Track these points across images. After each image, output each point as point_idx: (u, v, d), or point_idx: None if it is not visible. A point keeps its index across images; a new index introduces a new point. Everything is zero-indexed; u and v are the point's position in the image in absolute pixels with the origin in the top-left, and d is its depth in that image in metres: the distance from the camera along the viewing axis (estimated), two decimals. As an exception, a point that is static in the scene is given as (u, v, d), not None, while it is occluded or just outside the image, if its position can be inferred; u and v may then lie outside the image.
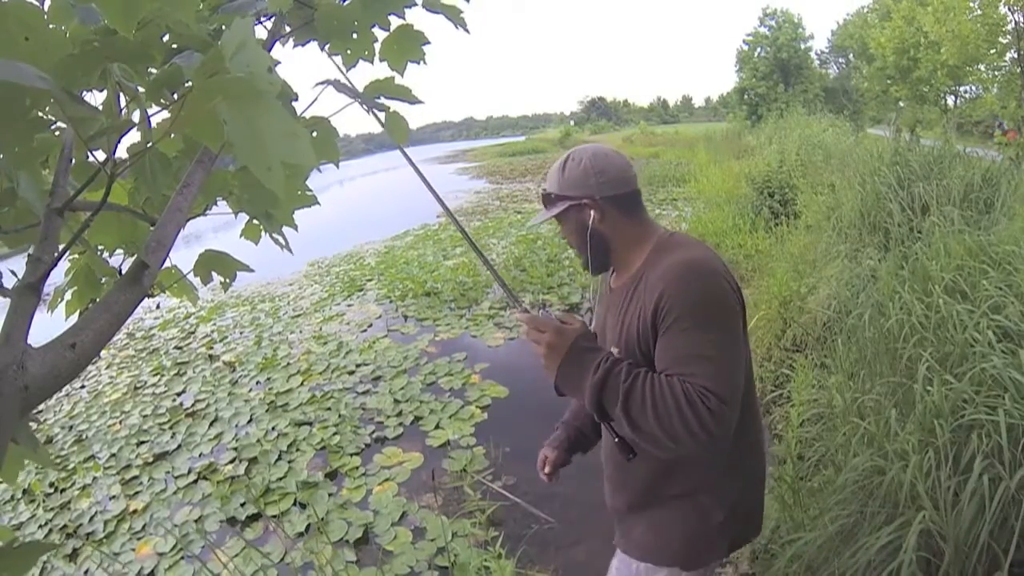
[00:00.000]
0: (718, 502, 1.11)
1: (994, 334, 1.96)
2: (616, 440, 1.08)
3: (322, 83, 0.91)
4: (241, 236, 1.10)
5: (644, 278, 1.06)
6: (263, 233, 1.07)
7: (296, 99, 0.91)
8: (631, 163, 1.16)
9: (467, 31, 1.08)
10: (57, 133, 0.76)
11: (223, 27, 0.78)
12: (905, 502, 1.63)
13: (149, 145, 0.78)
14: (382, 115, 1.09)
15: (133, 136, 0.79)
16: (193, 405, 4.50)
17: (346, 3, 0.99)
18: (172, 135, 0.67)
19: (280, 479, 3.29)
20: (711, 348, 0.93)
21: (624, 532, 1.24)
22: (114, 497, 3.44)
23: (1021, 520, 1.43)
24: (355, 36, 1.01)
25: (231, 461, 3.58)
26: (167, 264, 0.87)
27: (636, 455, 1.08)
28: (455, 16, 1.06)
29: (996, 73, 13.05)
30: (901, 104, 18.46)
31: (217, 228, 11.82)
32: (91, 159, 0.79)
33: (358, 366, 4.73)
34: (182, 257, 1.07)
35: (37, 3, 0.70)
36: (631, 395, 0.91)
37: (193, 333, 6.46)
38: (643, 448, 1.04)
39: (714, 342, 0.94)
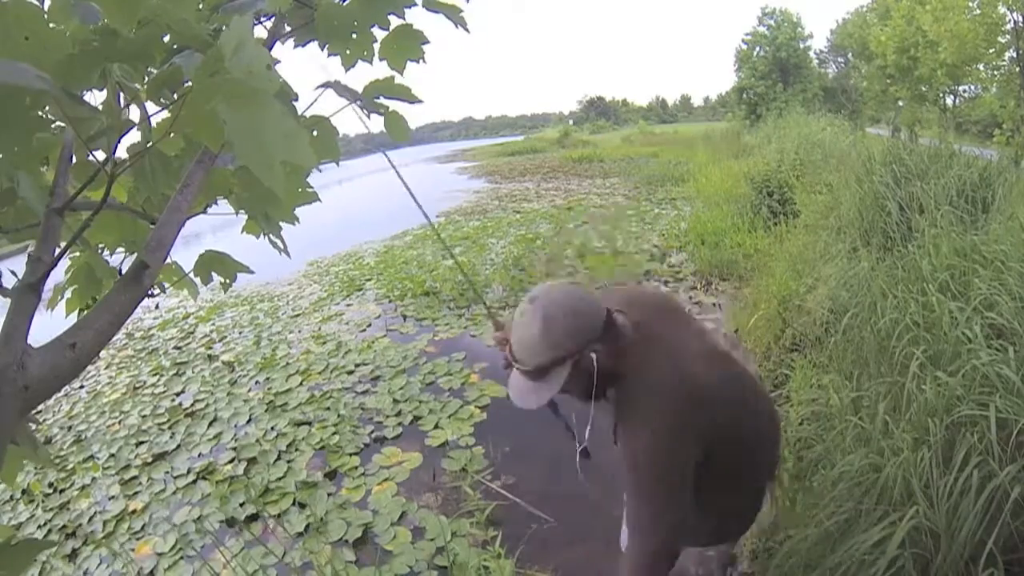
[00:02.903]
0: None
1: (983, 331, 1.97)
2: (581, 448, 1.29)
3: (323, 85, 0.91)
4: (243, 231, 1.10)
5: (628, 404, 1.13)
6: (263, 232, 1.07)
7: (296, 99, 0.91)
8: (589, 289, 1.19)
9: (467, 30, 1.08)
10: (57, 132, 0.76)
11: (224, 27, 0.78)
12: (900, 499, 1.64)
13: (149, 145, 0.78)
14: (386, 115, 1.09)
15: (133, 136, 0.79)
16: (192, 405, 4.50)
17: (346, 3, 0.99)
18: (172, 135, 0.67)
19: (279, 479, 3.29)
20: (646, 511, 1.10)
21: None
22: (113, 497, 3.44)
23: (1015, 516, 1.43)
24: (355, 36, 1.01)
25: (230, 461, 3.58)
26: (167, 261, 0.87)
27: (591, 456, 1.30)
28: (455, 15, 1.07)
29: (995, 72, 13.06)
30: (900, 103, 18.46)
31: (217, 228, 11.81)
32: (91, 159, 0.79)
33: (357, 366, 4.73)
34: (182, 257, 1.07)
35: (37, 2, 0.70)
36: None
37: (192, 333, 6.46)
38: None
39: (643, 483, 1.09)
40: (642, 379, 1.11)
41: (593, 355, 1.06)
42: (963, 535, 1.47)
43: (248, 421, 4.07)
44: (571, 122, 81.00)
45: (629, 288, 1.22)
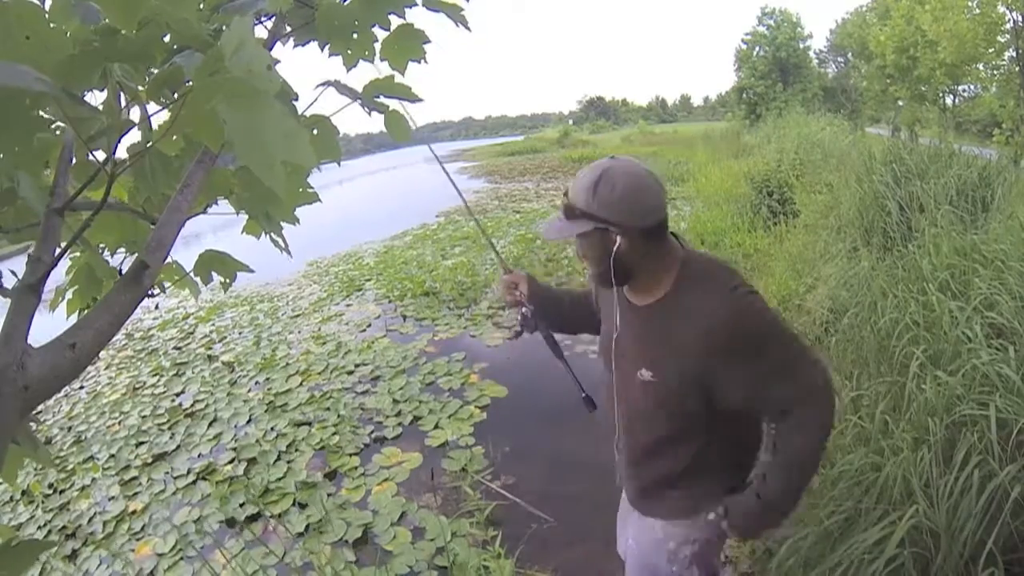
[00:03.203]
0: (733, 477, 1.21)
1: (984, 331, 1.97)
2: (584, 396, 1.35)
3: (323, 84, 0.91)
4: (243, 232, 1.10)
5: (678, 312, 1.07)
6: (264, 232, 1.07)
7: (296, 99, 0.91)
8: (663, 187, 1.09)
9: (468, 28, 1.08)
10: (58, 133, 0.76)
11: (224, 27, 0.78)
12: (899, 498, 1.64)
13: (149, 145, 0.78)
14: (387, 114, 1.08)
15: (133, 136, 0.79)
16: (192, 405, 4.50)
17: (346, 3, 0.98)
18: (172, 135, 0.67)
19: (279, 479, 3.29)
20: (792, 362, 1.07)
21: (648, 501, 1.31)
22: (113, 498, 3.43)
23: (1015, 515, 1.43)
24: (355, 36, 1.01)
25: (230, 461, 3.58)
26: (167, 260, 0.87)
27: (596, 407, 1.33)
28: (455, 14, 1.06)
29: (995, 72, 13.06)
30: (900, 103, 18.46)
31: (217, 228, 11.81)
32: (91, 159, 0.79)
33: (357, 366, 4.73)
34: (183, 257, 1.07)
35: (38, 2, 0.70)
36: (792, 492, 1.12)
37: (192, 333, 6.45)
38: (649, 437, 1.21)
39: (788, 352, 1.07)
40: (706, 278, 1.09)
41: (618, 239, 1.04)
42: (963, 535, 1.47)
43: (248, 421, 4.07)
44: (571, 122, 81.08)
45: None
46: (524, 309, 1.40)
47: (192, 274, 1.04)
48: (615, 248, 1.05)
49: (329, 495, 3.08)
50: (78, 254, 1.01)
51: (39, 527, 3.26)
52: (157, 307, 7.67)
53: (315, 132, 0.99)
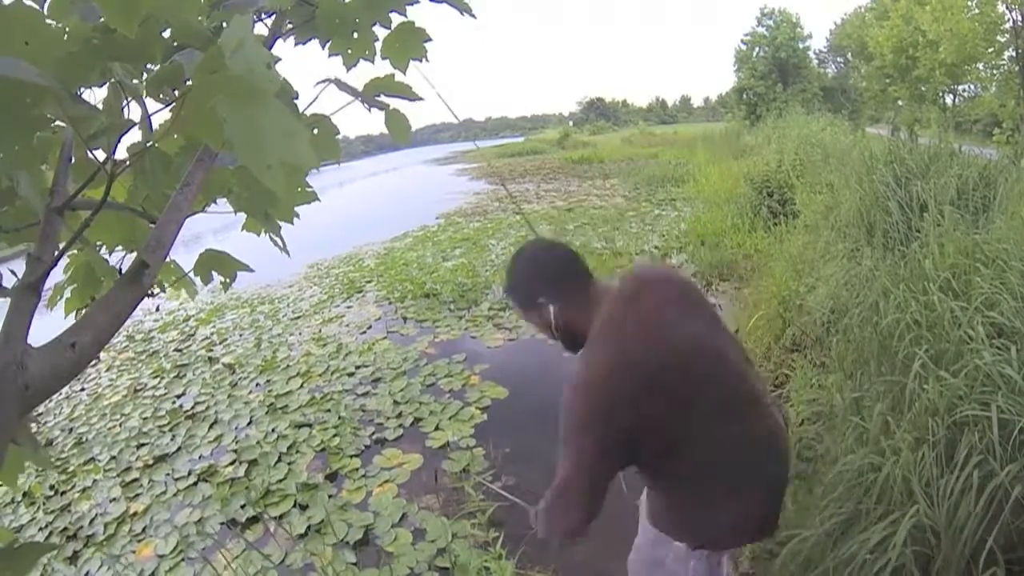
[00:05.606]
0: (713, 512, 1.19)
1: (985, 331, 1.97)
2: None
3: (323, 81, 0.91)
4: (243, 229, 1.10)
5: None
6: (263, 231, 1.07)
7: (297, 97, 0.91)
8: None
9: (473, 16, 1.07)
10: (57, 131, 0.76)
11: (224, 24, 0.78)
12: (900, 498, 1.63)
13: (149, 144, 0.78)
14: (387, 114, 1.08)
15: (133, 134, 0.79)
16: (193, 407, 4.49)
17: (347, 0, 0.98)
18: (172, 134, 0.67)
19: (280, 481, 3.29)
20: (567, 465, 1.13)
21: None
22: (114, 499, 3.43)
23: (1016, 515, 1.43)
24: (356, 35, 1.01)
25: (231, 463, 3.58)
26: (166, 261, 0.86)
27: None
28: (458, 2, 1.06)
29: (994, 72, 13.09)
30: (900, 103, 18.46)
31: (217, 231, 11.82)
32: (91, 158, 0.79)
33: (358, 368, 4.73)
34: (182, 260, 1.07)
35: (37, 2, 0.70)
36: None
37: (193, 335, 6.45)
38: None
39: (568, 456, 1.12)
40: (592, 336, 1.14)
41: (551, 307, 1.17)
42: (964, 534, 1.47)
43: (249, 423, 4.07)
44: (571, 123, 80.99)
45: (652, 266, 1.31)
46: None
47: (192, 273, 1.04)
48: (552, 320, 1.18)
49: (330, 496, 3.08)
50: (76, 252, 1.01)
51: (40, 528, 3.26)
52: (158, 308, 7.68)
53: (315, 132, 0.99)
